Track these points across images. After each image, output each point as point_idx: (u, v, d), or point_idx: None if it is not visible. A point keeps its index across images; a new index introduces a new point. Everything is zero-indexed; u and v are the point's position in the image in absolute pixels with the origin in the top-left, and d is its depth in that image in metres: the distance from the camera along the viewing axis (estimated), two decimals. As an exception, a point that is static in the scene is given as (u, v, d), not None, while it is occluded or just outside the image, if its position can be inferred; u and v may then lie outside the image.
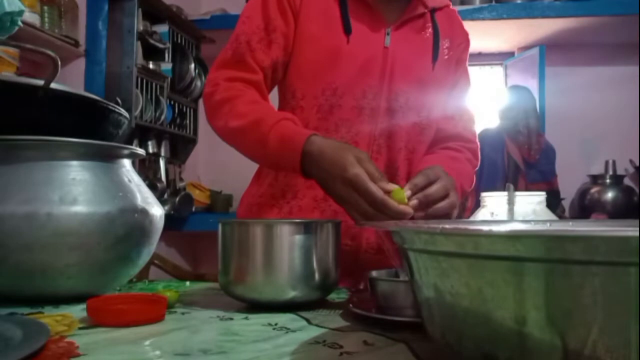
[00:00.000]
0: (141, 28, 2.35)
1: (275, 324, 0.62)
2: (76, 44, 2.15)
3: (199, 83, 2.79)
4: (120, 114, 0.85)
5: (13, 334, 0.49)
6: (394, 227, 0.45)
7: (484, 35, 3.00)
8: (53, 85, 0.73)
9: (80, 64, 2.22)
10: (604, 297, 0.30)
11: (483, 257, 0.35)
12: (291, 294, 0.69)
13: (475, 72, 3.29)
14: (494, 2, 2.82)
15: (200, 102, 2.52)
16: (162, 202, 1.40)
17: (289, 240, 0.69)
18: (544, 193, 1.12)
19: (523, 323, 0.33)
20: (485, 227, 0.37)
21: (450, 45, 1.07)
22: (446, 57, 1.06)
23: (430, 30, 1.04)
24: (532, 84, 2.93)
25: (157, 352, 0.51)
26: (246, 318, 0.66)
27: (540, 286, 0.32)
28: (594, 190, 2.88)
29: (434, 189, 0.81)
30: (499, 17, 2.78)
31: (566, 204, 2.94)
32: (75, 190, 0.71)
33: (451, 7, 1.11)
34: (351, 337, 0.56)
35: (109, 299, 0.67)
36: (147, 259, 0.82)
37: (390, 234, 0.48)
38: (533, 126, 2.68)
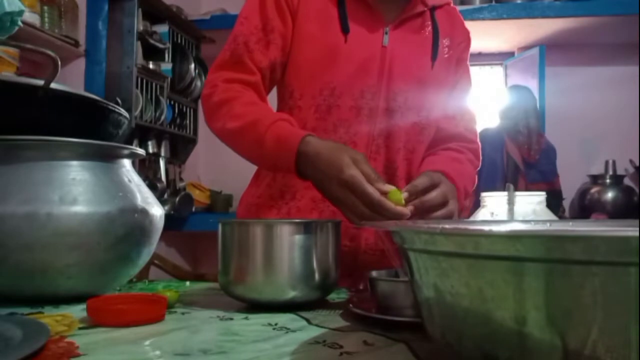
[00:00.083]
0: (141, 28, 2.35)
1: (275, 324, 0.62)
2: (76, 44, 2.15)
3: (199, 83, 2.78)
4: (120, 114, 0.85)
5: (13, 334, 0.49)
6: (394, 227, 0.45)
7: (484, 35, 3.00)
8: (53, 85, 0.73)
9: (80, 64, 2.22)
10: (604, 297, 0.30)
11: (483, 257, 0.35)
12: (291, 294, 0.69)
13: (476, 72, 3.28)
14: (494, 2, 2.82)
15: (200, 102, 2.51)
16: (162, 202, 1.40)
17: (289, 240, 0.69)
18: (544, 193, 1.12)
19: (523, 323, 0.33)
20: (485, 227, 0.37)
21: (451, 44, 1.05)
22: (446, 56, 1.05)
23: (429, 28, 1.03)
24: (532, 84, 2.93)
25: (157, 352, 0.51)
26: (246, 318, 0.66)
27: (540, 286, 0.32)
28: (594, 190, 2.88)
29: (432, 195, 0.81)
30: (499, 17, 2.78)
31: (566, 204, 2.94)
32: (75, 190, 0.71)
33: (452, 5, 1.10)
34: (351, 337, 0.56)
35: (109, 299, 0.67)
36: (147, 259, 0.82)
37: (390, 234, 0.48)
38: (533, 126, 2.68)
